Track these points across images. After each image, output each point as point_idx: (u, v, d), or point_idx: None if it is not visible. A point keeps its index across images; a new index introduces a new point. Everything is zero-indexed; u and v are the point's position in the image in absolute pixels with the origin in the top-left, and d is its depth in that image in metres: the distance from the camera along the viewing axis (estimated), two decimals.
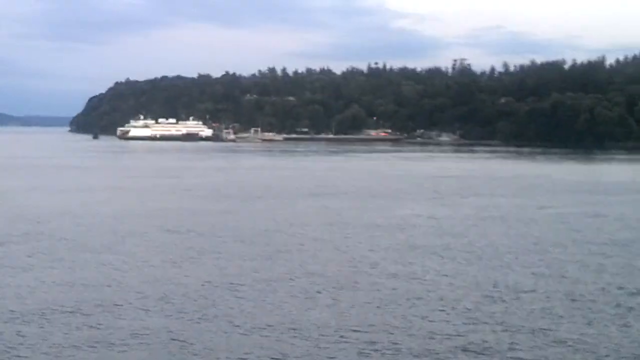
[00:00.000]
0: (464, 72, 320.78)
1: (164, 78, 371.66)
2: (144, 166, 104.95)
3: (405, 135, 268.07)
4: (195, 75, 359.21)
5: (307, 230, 39.10)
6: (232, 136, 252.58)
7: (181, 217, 43.92)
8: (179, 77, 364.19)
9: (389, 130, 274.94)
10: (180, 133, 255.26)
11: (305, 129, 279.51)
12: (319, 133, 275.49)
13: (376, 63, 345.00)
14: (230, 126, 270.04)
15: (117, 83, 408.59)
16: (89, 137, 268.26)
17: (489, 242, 35.70)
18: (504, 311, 22.65)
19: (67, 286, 25.69)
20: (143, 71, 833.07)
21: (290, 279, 27.05)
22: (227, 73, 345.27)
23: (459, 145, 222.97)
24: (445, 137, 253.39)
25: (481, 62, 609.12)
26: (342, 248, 33.72)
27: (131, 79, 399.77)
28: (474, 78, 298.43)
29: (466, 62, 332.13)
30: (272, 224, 41.50)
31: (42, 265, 29.39)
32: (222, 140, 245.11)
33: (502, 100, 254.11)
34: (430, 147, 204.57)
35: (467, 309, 22.87)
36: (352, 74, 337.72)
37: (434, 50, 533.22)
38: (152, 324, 21.09)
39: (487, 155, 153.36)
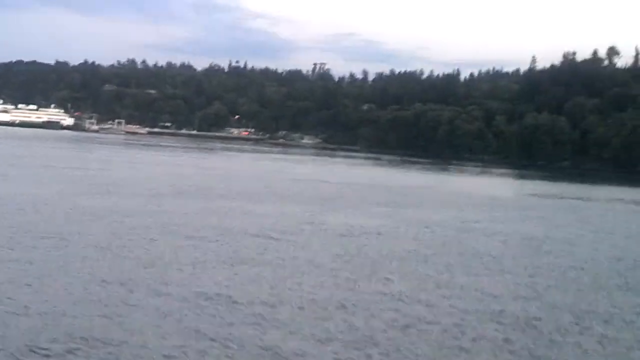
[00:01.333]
0: (323, 77, 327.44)
1: (19, 62, 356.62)
2: (36, 154, 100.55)
3: (268, 135, 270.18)
4: (52, 62, 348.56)
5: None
6: (95, 127, 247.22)
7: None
8: (34, 63, 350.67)
9: (252, 130, 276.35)
10: (40, 120, 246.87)
11: (168, 124, 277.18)
12: (180, 128, 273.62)
13: (237, 62, 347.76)
14: (92, 116, 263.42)
15: None
16: None
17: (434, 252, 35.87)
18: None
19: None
20: None
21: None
22: (85, 61, 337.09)
23: (322, 149, 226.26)
24: (307, 140, 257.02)
25: (336, 66, 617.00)
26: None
27: None
28: (335, 83, 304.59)
29: (325, 66, 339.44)
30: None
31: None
32: (84, 130, 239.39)
33: (365, 106, 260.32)
34: (294, 150, 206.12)
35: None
36: (213, 71, 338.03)
37: (291, 53, 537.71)
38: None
39: (355, 161, 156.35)
